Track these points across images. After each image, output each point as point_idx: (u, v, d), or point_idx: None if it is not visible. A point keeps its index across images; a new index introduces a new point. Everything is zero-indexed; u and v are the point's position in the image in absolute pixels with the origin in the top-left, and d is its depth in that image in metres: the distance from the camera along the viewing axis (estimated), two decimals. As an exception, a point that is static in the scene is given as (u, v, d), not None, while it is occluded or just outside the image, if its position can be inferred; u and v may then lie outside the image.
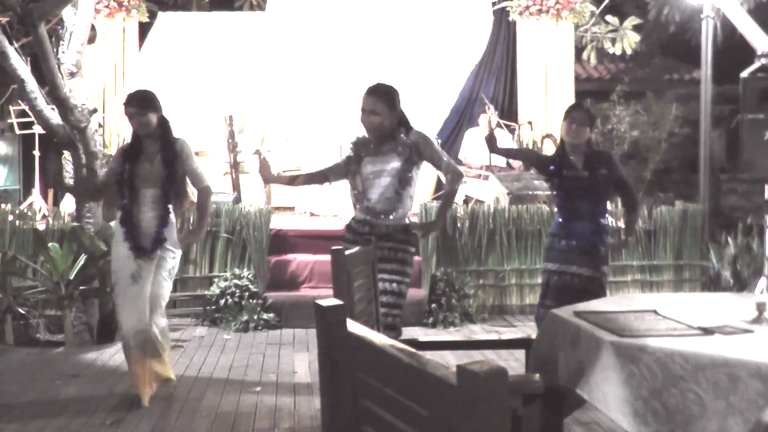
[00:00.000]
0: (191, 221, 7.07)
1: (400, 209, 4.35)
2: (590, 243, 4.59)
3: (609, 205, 4.88)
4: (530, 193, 8.08)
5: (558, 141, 9.95)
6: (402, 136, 4.35)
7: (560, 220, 4.71)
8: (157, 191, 4.63)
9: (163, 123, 4.69)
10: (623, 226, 5.03)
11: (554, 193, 4.82)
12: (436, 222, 4.69)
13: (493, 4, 10.97)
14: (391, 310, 4.23)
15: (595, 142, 4.81)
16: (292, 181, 4.84)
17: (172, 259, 4.73)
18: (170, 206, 4.68)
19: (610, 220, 4.91)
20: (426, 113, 10.32)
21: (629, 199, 4.87)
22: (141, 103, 4.59)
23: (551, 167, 4.74)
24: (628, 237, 5.04)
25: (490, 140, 5.04)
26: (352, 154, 4.50)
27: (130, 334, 4.62)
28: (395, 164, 4.32)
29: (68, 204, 8.57)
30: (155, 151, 4.65)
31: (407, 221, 4.42)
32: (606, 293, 4.71)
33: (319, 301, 1.59)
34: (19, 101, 9.28)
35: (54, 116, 6.39)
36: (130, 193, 4.63)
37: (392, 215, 4.33)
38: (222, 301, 6.94)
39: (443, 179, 4.53)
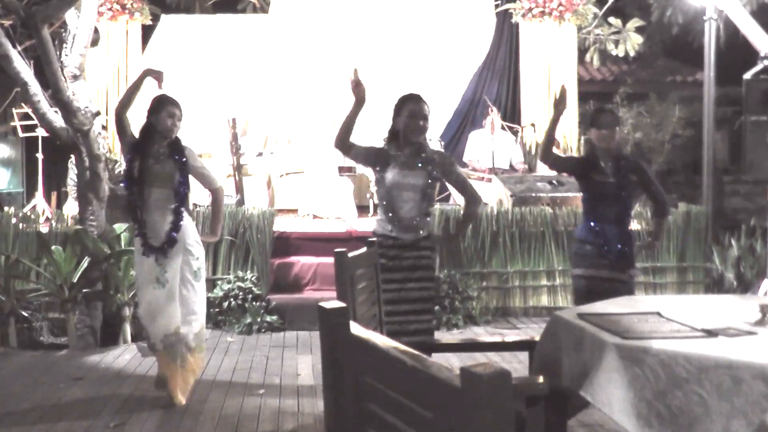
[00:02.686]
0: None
1: (425, 226, 4.49)
2: (618, 247, 4.58)
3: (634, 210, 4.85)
4: (533, 195, 8.07)
5: (560, 144, 9.92)
6: (427, 151, 4.49)
7: (588, 224, 4.67)
8: (168, 192, 4.67)
9: None
10: (652, 229, 5.01)
11: (582, 196, 4.81)
12: (455, 237, 5.58)
13: (496, 6, 10.97)
14: (429, 316, 4.45)
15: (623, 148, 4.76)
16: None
17: (196, 260, 4.78)
18: (183, 208, 4.71)
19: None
20: (429, 115, 10.30)
21: (660, 205, 4.83)
22: (180, 108, 4.71)
23: (584, 170, 4.71)
24: (655, 241, 5.07)
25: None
26: (378, 153, 4.48)
27: (158, 338, 4.65)
28: (421, 180, 4.42)
29: (71, 207, 8.58)
30: (165, 153, 4.70)
31: (429, 231, 4.57)
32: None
33: (322, 304, 1.59)
34: (22, 104, 9.29)
35: (57, 119, 6.40)
36: (140, 191, 4.67)
37: (420, 232, 4.45)
38: (225, 304, 6.94)
39: (463, 201, 4.79)
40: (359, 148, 4.51)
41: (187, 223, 4.76)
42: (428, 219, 4.53)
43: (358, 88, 4.35)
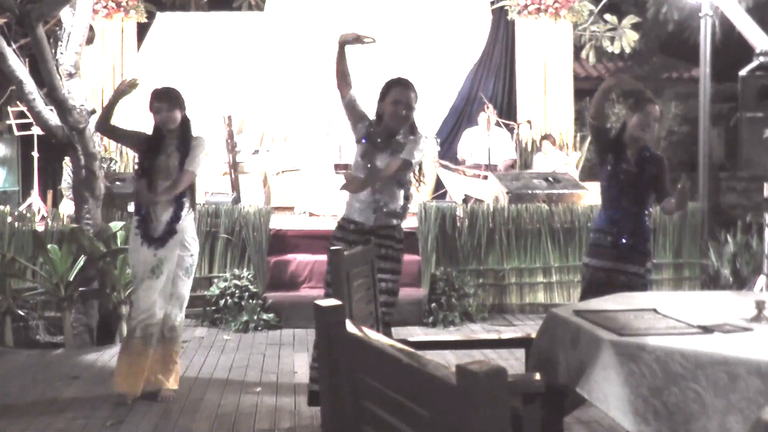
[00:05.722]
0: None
1: (390, 214, 4.28)
2: (635, 239, 4.48)
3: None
4: (529, 192, 8.07)
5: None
6: (401, 138, 4.27)
7: (605, 214, 4.59)
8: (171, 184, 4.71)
9: (185, 121, 4.80)
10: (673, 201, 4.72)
11: (601, 184, 4.71)
12: (362, 180, 4.24)
13: (492, 3, 10.99)
14: (388, 309, 4.17)
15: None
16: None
17: (190, 257, 4.82)
18: (185, 200, 4.75)
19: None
20: (425, 113, 10.28)
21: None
22: (169, 100, 4.72)
23: (609, 154, 4.56)
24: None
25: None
26: (364, 121, 4.32)
27: (139, 325, 4.68)
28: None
29: (67, 205, 8.57)
30: (173, 147, 4.74)
31: (397, 221, 4.35)
32: (650, 291, 4.56)
33: (318, 302, 1.59)
34: (18, 102, 9.28)
35: (53, 117, 6.39)
36: (148, 184, 4.72)
37: (383, 219, 4.26)
38: (222, 302, 6.93)
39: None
40: (355, 100, 4.34)
41: (188, 217, 4.80)
42: (394, 207, 4.28)
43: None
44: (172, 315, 4.80)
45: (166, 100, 4.71)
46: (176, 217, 4.71)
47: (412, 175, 4.42)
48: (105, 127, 4.93)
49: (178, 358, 4.94)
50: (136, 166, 4.90)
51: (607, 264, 4.51)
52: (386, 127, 4.26)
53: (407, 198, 4.39)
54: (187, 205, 4.78)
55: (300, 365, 5.66)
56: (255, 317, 6.82)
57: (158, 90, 4.77)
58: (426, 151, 4.53)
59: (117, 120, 4.98)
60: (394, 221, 4.32)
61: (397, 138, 4.27)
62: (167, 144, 4.75)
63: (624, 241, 4.49)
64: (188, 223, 4.81)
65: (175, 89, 4.83)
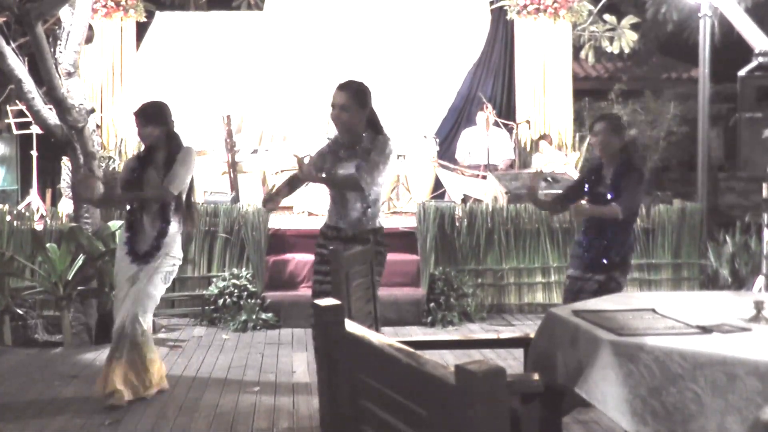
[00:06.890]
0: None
1: (361, 221, 4.23)
2: (601, 251, 4.67)
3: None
4: (528, 192, 8.07)
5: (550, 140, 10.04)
6: (364, 138, 4.19)
7: (582, 228, 4.88)
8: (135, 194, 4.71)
9: (171, 136, 4.75)
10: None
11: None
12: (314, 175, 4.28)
13: (491, 3, 10.98)
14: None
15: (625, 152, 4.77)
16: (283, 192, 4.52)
17: (172, 265, 4.77)
18: (171, 215, 4.70)
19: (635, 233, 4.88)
20: (424, 112, 10.32)
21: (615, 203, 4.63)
22: (143, 116, 4.68)
23: (585, 181, 4.95)
24: (579, 208, 4.72)
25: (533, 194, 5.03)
26: (327, 152, 4.36)
27: (116, 331, 4.66)
28: (351, 171, 4.15)
29: (66, 204, 8.57)
30: (162, 162, 4.72)
31: (377, 224, 4.28)
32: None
33: (317, 301, 1.59)
34: (17, 101, 9.28)
35: (51, 116, 6.39)
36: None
37: (356, 228, 4.22)
38: (220, 301, 6.93)
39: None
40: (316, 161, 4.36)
41: (173, 230, 4.74)
42: (368, 212, 4.22)
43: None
44: (139, 318, 4.64)
45: (139, 116, 4.69)
46: (162, 233, 4.67)
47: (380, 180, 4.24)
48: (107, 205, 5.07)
49: (153, 366, 4.77)
50: (125, 182, 4.83)
51: (579, 273, 4.81)
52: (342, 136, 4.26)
53: (371, 204, 4.25)
54: (175, 222, 4.73)
55: (299, 365, 5.66)
56: (254, 316, 6.82)
57: (139, 108, 4.73)
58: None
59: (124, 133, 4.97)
60: (376, 224, 4.27)
61: (360, 145, 4.19)
62: (156, 159, 4.74)
63: (591, 251, 4.70)
64: (175, 239, 4.75)
65: (156, 105, 4.76)
